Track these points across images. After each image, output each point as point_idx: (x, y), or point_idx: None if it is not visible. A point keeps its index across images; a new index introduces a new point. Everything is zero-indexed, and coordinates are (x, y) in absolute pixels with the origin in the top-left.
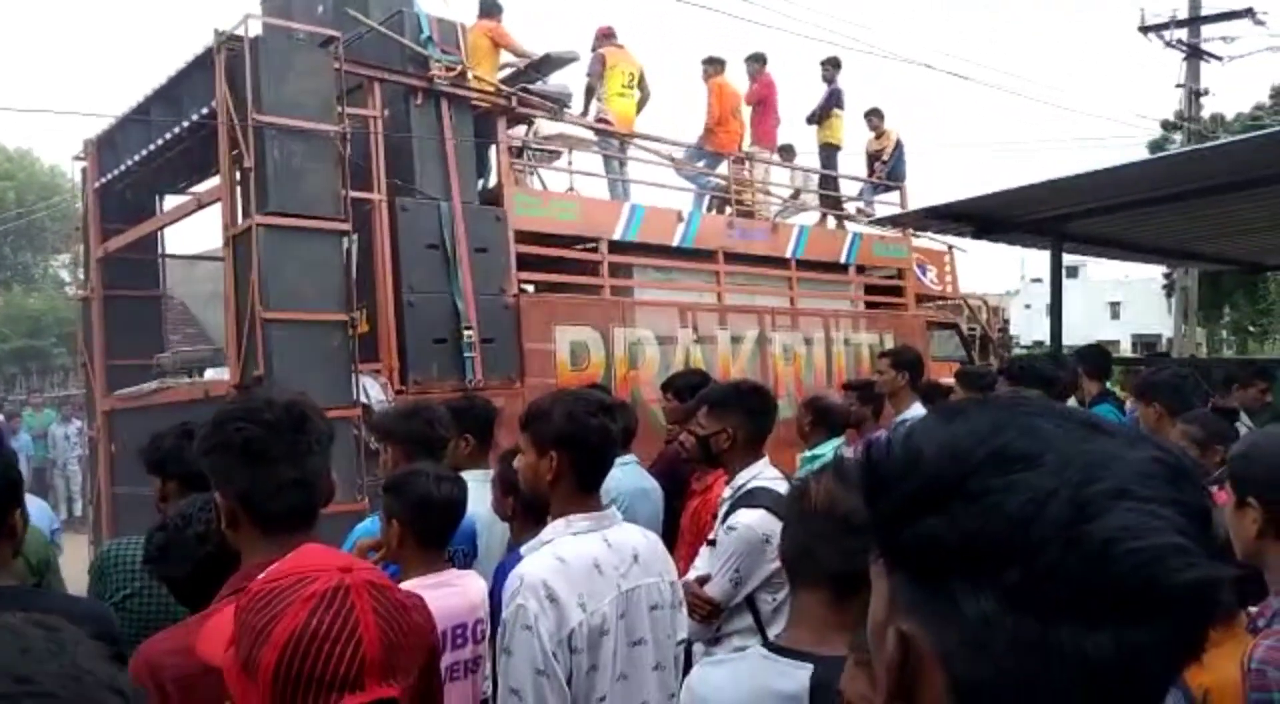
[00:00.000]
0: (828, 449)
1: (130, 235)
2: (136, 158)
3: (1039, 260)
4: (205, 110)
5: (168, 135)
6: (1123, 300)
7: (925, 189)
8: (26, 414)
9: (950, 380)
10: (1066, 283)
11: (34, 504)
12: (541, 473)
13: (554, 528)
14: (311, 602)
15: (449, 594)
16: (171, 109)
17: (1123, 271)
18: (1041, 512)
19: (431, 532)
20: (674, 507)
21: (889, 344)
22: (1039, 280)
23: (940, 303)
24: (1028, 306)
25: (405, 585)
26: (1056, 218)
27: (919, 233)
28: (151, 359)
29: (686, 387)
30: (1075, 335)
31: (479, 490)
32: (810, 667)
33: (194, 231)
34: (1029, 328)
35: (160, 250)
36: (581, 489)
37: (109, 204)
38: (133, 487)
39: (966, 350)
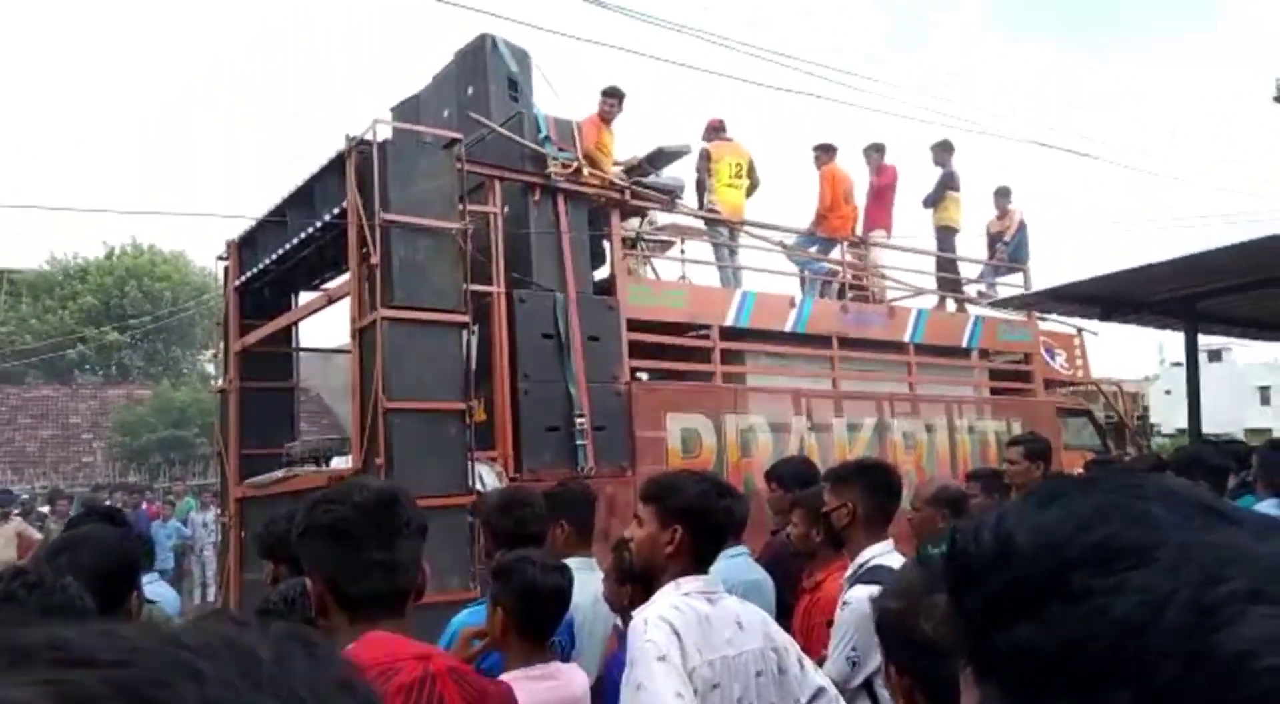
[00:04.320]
0: None
1: (266, 330)
2: (274, 256)
3: (1179, 343)
4: (336, 210)
5: (302, 234)
6: (1273, 385)
7: (1050, 271)
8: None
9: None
10: (1211, 367)
11: (166, 592)
12: (661, 544)
13: (664, 591)
14: (402, 694)
15: (551, 687)
16: (306, 210)
17: (1274, 354)
18: (1157, 618)
19: (535, 620)
20: (783, 600)
21: (1016, 431)
22: (1179, 364)
23: (1072, 388)
24: (1168, 392)
25: (507, 676)
26: (1190, 297)
27: (1045, 315)
28: (282, 448)
29: (791, 475)
30: (1220, 423)
31: (579, 579)
32: None
33: (331, 326)
34: (1170, 415)
35: (294, 344)
36: (696, 564)
37: (248, 301)
38: (261, 572)
39: (1102, 439)
